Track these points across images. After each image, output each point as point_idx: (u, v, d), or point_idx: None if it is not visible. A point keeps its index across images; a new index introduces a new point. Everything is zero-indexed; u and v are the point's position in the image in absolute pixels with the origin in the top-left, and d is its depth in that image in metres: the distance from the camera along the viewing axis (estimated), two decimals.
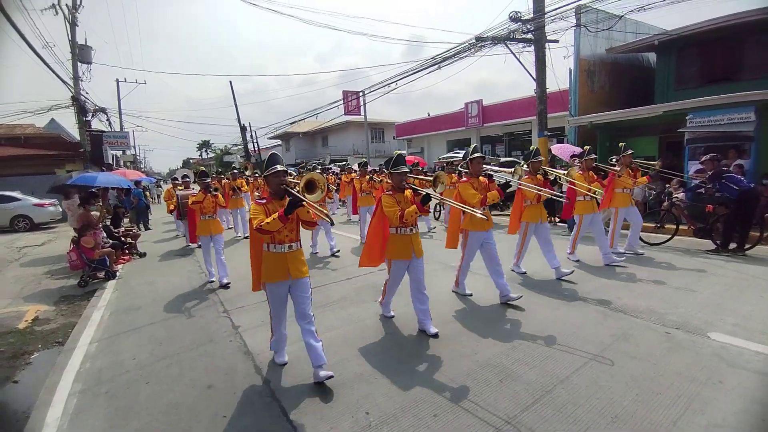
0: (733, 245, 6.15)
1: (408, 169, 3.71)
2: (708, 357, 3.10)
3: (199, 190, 5.81)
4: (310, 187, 2.96)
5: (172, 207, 10.03)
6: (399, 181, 3.70)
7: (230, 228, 10.89)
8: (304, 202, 2.84)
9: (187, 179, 9.05)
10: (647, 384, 2.76)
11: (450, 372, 3.07)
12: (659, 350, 3.23)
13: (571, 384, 2.81)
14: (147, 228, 13.03)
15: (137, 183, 13.89)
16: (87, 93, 16.81)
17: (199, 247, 8.23)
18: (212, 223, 5.79)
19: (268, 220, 2.80)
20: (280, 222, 2.80)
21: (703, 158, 6.73)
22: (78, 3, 15.51)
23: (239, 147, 33.78)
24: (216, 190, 5.78)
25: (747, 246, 6.07)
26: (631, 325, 3.72)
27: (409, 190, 3.74)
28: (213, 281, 5.87)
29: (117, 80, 24.19)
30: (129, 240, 8.63)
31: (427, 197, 3.43)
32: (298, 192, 2.94)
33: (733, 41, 10.32)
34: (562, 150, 10.11)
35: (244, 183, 10.73)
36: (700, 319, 3.76)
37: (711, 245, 6.39)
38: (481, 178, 4.45)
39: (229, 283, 5.67)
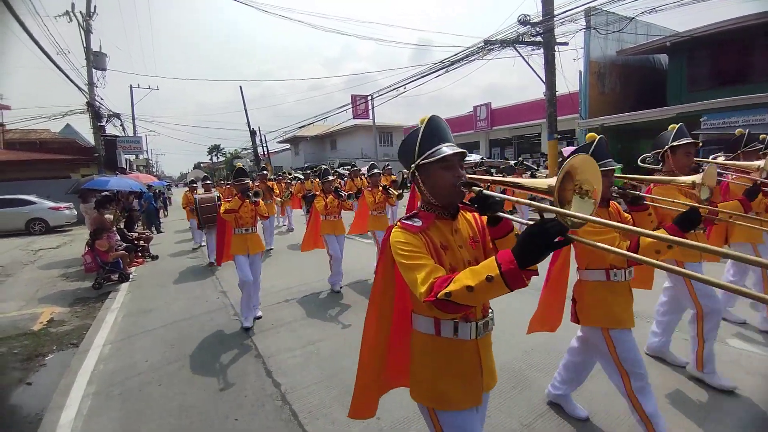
0: None
1: (617, 166, 2.27)
2: (726, 364, 3.02)
3: (235, 195, 4.49)
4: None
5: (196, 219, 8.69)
6: (605, 187, 2.05)
7: None
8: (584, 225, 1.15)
9: (208, 181, 8.38)
10: (665, 392, 2.71)
11: None
12: (678, 356, 3.16)
13: (587, 391, 2.76)
14: (159, 231, 13.19)
15: (148, 187, 14.02)
16: (101, 99, 17.14)
17: (210, 264, 7.28)
18: (251, 239, 4.43)
19: (469, 282, 1.11)
20: (518, 282, 1.08)
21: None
22: (92, 10, 15.87)
23: (249, 151, 34.11)
24: (257, 194, 4.45)
25: None
26: (647, 331, 3.64)
27: (615, 203, 2.27)
28: (249, 326, 4.24)
29: (130, 86, 24.62)
30: (142, 243, 8.74)
31: (696, 214, 1.82)
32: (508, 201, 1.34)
33: (746, 42, 10.18)
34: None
35: (275, 186, 9.62)
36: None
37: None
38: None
39: (261, 316, 4.57)
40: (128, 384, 3.32)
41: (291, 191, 10.61)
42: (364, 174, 11.30)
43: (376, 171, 5.88)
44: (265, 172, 9.71)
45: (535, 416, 2.53)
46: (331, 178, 5.42)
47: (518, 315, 4.22)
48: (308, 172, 10.62)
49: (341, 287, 5.35)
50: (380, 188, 5.62)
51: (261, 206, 4.54)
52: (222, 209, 4.38)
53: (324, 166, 5.54)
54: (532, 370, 3.08)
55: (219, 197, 7.44)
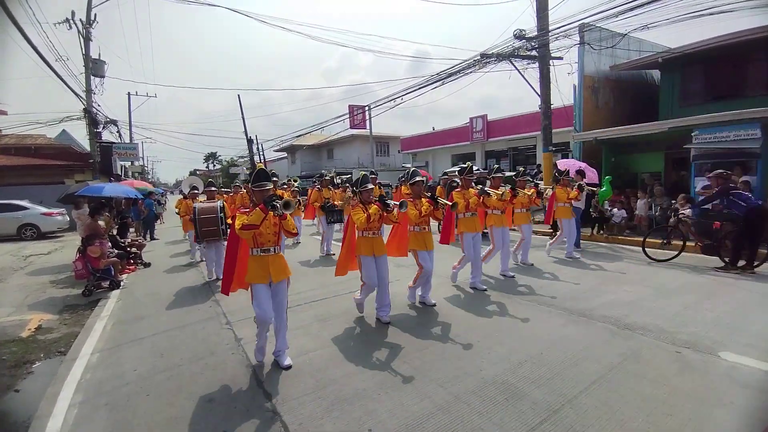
0: (741, 263, 6.07)
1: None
2: (719, 377, 3.02)
3: (255, 206, 3.41)
4: None
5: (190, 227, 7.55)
6: None
7: None
8: None
9: (213, 188, 7.34)
10: (657, 405, 2.69)
11: (455, 389, 3.01)
12: (670, 370, 3.16)
13: (579, 404, 2.74)
14: (153, 238, 13.09)
15: (150, 194, 14.00)
16: (99, 105, 17.13)
17: (209, 282, 6.55)
18: (273, 263, 3.47)
19: None
20: None
21: (710, 174, 6.73)
22: (92, 18, 15.95)
23: (245, 159, 34.10)
24: (288, 205, 3.30)
25: (756, 263, 5.99)
26: (639, 344, 3.65)
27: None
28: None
29: (128, 93, 24.71)
30: (134, 250, 8.66)
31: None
32: None
33: (737, 58, 10.38)
34: (568, 165, 10.12)
35: (285, 194, 8.43)
36: (710, 339, 3.68)
37: (719, 262, 6.30)
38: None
39: (291, 365, 3.48)
40: (116, 394, 3.25)
41: (299, 200, 9.52)
42: (380, 183, 10.50)
43: (419, 178, 4.81)
44: (274, 178, 8.50)
45: (528, 429, 2.50)
46: (370, 186, 4.44)
47: (511, 327, 4.22)
48: (326, 178, 9.15)
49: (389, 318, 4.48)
50: (426, 198, 4.80)
51: (289, 220, 3.47)
52: (237, 224, 3.26)
53: (363, 172, 4.52)
54: (524, 382, 3.06)
55: (222, 207, 6.66)
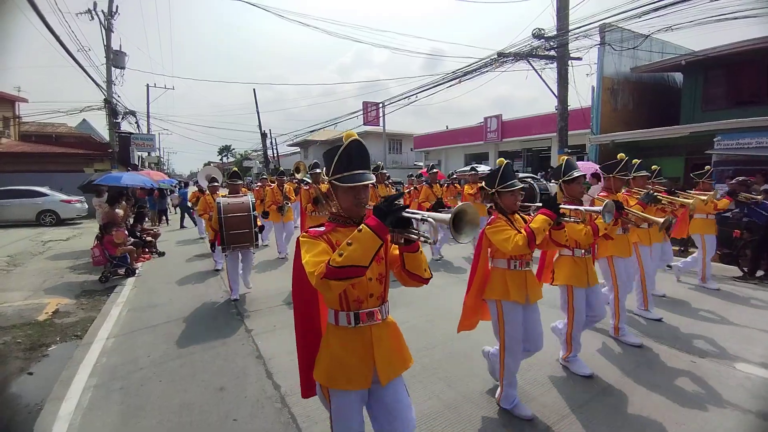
0: (760, 273, 5.92)
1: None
2: (733, 388, 2.96)
3: (345, 221, 1.73)
4: None
5: (212, 233, 5.95)
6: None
7: (266, 245, 8.89)
8: None
9: (239, 181, 5.68)
10: (670, 414, 2.65)
11: (463, 389, 3.01)
12: (683, 379, 3.10)
13: (590, 410, 2.71)
14: (196, 223, 13.09)
15: (186, 184, 15.66)
16: (118, 96, 17.45)
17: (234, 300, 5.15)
18: (379, 341, 1.70)
19: None
20: None
21: (731, 181, 6.58)
22: (114, 9, 16.23)
23: (259, 153, 34.45)
24: (459, 221, 1.42)
25: None
26: (654, 352, 3.59)
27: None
28: None
29: (147, 85, 25.02)
30: (149, 239, 8.82)
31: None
32: None
33: (763, 64, 10.10)
34: (584, 168, 9.98)
35: (292, 190, 7.69)
36: (726, 349, 3.60)
37: (738, 272, 6.15)
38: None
39: None
40: (130, 378, 3.33)
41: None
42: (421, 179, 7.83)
43: (577, 174, 3.03)
44: (317, 170, 6.13)
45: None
46: (518, 185, 2.59)
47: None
48: (382, 172, 7.63)
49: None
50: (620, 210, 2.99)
51: (420, 254, 1.67)
52: (311, 261, 1.49)
53: (503, 160, 2.73)
54: (534, 385, 3.04)
55: (253, 204, 5.25)
